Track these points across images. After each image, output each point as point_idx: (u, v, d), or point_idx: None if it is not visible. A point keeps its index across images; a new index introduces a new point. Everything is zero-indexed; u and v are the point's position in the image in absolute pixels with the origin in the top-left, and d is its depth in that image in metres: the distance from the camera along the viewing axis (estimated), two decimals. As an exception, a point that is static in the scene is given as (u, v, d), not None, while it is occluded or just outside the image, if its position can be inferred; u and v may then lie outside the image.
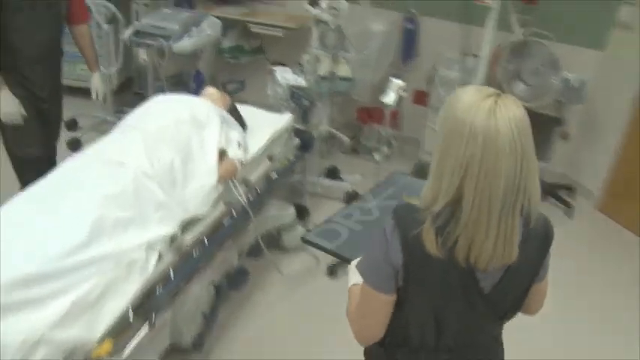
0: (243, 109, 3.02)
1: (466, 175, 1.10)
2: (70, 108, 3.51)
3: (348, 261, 1.55)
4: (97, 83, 3.02)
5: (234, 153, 2.56)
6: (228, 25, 4.43)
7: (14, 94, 2.59)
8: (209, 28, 3.97)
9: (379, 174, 3.34)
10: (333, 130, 4.05)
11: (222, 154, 2.52)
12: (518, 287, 1.28)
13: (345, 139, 4.14)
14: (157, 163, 2.22)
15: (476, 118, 1.09)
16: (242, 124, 2.87)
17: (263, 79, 3.86)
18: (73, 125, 4.31)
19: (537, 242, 1.23)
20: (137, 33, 3.83)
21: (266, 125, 3.06)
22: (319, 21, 3.49)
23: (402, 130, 4.62)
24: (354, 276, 1.36)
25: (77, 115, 4.33)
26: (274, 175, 2.98)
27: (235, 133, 2.67)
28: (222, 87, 4.60)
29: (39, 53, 2.66)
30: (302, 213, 3.46)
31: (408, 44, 4.38)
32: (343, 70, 3.83)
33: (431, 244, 1.14)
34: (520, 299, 1.31)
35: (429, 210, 1.16)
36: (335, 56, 3.66)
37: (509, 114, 1.09)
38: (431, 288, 1.22)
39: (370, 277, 1.25)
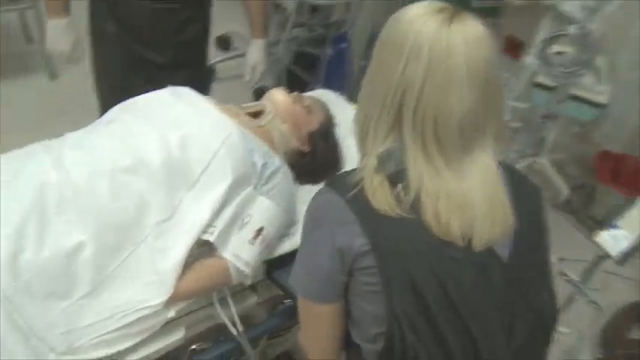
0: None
1: (402, 106, 0.90)
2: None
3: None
4: (256, 56, 2.04)
5: (233, 252, 1.34)
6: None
7: None
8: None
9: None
10: (552, 169, 2.79)
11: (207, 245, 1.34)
12: (535, 260, 1.02)
13: (564, 188, 2.85)
14: (47, 249, 1.15)
15: (423, 29, 0.88)
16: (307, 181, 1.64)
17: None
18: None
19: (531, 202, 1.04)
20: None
21: None
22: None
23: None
24: None
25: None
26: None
27: (266, 211, 1.40)
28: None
29: None
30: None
31: None
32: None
33: (386, 200, 0.91)
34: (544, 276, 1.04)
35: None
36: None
37: (467, 29, 0.89)
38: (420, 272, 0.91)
39: (305, 285, 1.03)
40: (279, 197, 1.42)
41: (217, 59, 3.40)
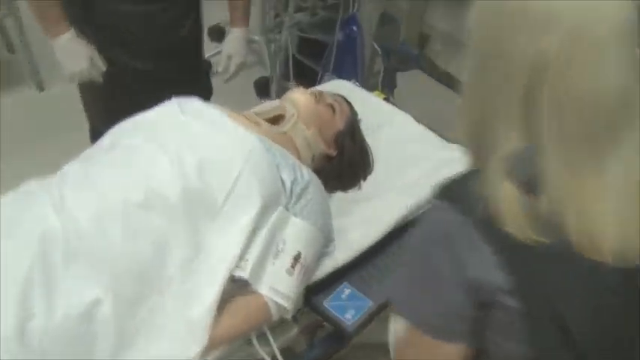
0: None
1: (532, 94, 0.69)
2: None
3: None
4: (233, 46, 1.81)
5: (270, 285, 1.16)
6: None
7: None
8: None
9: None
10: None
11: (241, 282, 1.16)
12: None
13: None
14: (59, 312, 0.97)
15: None
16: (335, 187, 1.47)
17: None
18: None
19: None
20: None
21: (412, 175, 1.53)
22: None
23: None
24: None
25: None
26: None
27: (302, 234, 1.22)
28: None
29: None
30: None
31: None
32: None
33: (518, 218, 0.70)
34: None
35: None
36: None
37: None
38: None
39: (423, 318, 0.81)
40: (314, 216, 1.25)
41: (212, 52, 3.20)
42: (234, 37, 1.81)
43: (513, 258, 0.73)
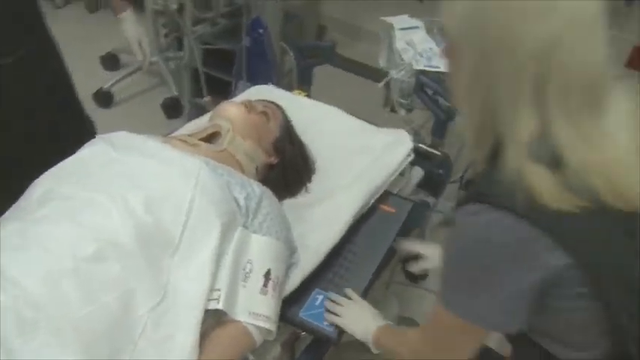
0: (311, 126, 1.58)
1: (541, 78, 0.75)
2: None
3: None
4: (134, 29, 1.79)
5: (247, 310, 1.10)
6: None
7: None
8: None
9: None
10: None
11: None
12: None
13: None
14: None
15: None
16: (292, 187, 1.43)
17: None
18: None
19: None
20: None
21: (358, 165, 1.51)
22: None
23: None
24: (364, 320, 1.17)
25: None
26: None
27: (266, 250, 1.17)
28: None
29: None
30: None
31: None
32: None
33: (559, 194, 0.75)
34: None
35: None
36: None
37: None
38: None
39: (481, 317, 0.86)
40: (274, 229, 1.20)
41: (111, 82, 3.05)
42: (129, 20, 1.76)
43: (563, 229, 0.77)
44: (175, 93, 3.00)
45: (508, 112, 0.79)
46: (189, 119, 2.53)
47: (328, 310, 1.22)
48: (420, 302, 2.09)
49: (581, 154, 0.77)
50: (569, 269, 0.78)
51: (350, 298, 1.25)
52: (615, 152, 0.79)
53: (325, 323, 1.24)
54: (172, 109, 2.91)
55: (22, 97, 1.53)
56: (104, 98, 2.99)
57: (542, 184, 0.76)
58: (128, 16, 1.77)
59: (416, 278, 2.18)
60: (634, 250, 0.83)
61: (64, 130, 1.61)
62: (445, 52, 0.90)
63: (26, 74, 1.52)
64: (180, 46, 2.61)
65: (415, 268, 1.46)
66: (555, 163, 0.77)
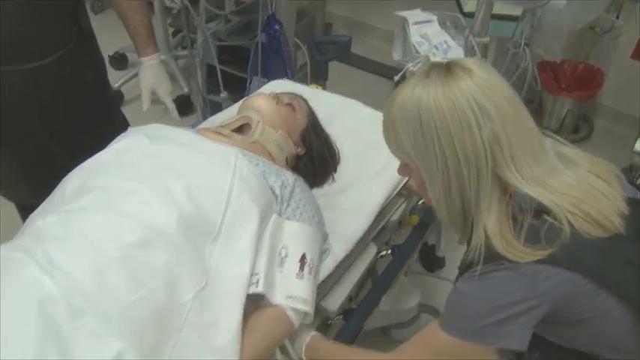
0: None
1: (496, 164, 0.93)
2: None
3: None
4: (151, 77, 1.63)
5: (285, 294, 1.14)
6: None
7: None
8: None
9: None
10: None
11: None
12: None
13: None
14: None
15: (460, 92, 0.92)
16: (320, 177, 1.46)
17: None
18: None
19: None
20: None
21: (383, 156, 1.41)
22: None
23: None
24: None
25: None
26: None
27: (300, 235, 1.20)
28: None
29: None
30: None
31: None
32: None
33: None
34: None
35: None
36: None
37: (466, 63, 0.97)
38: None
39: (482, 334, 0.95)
40: (307, 215, 1.23)
41: (120, 82, 3.06)
42: (149, 67, 1.63)
43: (568, 253, 0.90)
44: (186, 90, 3.03)
45: (479, 200, 0.95)
46: (204, 116, 2.56)
47: None
48: (438, 291, 2.13)
49: (555, 198, 0.92)
50: (589, 284, 0.93)
51: None
52: (570, 184, 0.95)
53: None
54: (183, 107, 2.94)
55: (64, 93, 1.55)
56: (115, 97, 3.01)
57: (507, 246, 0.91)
58: (153, 64, 1.63)
59: (433, 268, 2.22)
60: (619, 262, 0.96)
61: (103, 123, 1.61)
62: (401, 171, 1.08)
63: (68, 71, 1.53)
64: (191, 43, 2.64)
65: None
66: (540, 209, 0.91)
